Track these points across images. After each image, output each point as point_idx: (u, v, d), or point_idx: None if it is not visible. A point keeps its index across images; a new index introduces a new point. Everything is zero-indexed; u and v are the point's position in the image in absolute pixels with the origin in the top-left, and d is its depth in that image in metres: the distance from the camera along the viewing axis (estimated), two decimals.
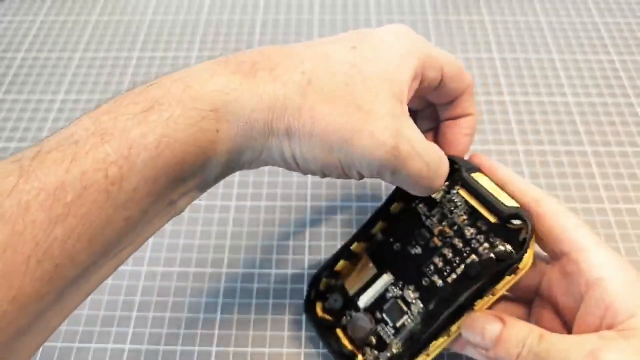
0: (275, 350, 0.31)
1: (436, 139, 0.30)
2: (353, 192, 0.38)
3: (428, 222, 0.28)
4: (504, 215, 0.25)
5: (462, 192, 0.27)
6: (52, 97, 0.45)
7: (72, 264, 0.19)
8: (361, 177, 0.24)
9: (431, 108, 0.30)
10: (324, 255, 0.35)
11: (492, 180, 0.27)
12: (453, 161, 0.27)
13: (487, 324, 0.24)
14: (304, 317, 0.32)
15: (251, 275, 0.34)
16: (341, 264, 0.30)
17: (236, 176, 0.39)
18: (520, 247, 0.25)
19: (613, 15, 0.51)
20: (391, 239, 0.29)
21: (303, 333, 0.31)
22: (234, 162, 0.24)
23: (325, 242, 0.35)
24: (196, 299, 0.33)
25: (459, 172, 0.27)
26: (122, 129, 0.20)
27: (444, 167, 0.25)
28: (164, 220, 0.23)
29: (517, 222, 0.25)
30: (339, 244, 0.35)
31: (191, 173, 0.22)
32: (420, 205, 0.29)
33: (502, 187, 0.27)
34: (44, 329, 0.21)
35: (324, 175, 0.25)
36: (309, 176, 0.39)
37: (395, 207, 0.30)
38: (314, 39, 0.26)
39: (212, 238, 0.36)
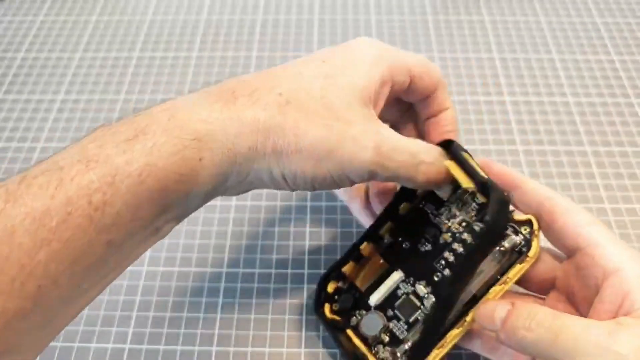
0: (276, 350, 0.31)
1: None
2: None
3: (436, 220, 0.29)
4: (478, 183, 0.27)
5: (453, 170, 0.28)
6: (52, 97, 0.45)
7: (54, 286, 0.20)
8: (353, 183, 0.26)
9: (411, 112, 0.31)
10: (324, 256, 0.35)
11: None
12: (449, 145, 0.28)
13: (497, 307, 0.25)
14: (304, 317, 0.32)
15: (251, 275, 0.34)
16: (348, 265, 0.30)
17: None
18: (527, 237, 0.26)
19: (613, 15, 0.51)
20: (400, 239, 0.30)
21: (303, 333, 0.31)
22: (218, 188, 0.24)
23: (325, 242, 0.35)
24: (196, 299, 0.33)
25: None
26: (107, 157, 0.21)
27: (431, 154, 0.27)
28: (149, 245, 0.24)
29: (523, 216, 0.27)
30: (339, 244, 0.35)
31: (175, 200, 0.23)
32: (428, 205, 0.30)
33: (514, 189, 0.28)
34: (34, 347, 0.22)
35: (314, 189, 0.26)
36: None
37: (403, 208, 0.30)
38: (313, 49, 0.27)
39: (212, 238, 0.36)
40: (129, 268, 0.34)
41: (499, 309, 0.25)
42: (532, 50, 0.48)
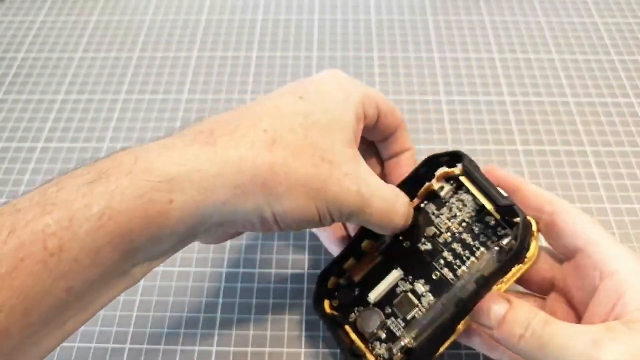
0: (276, 350, 0.31)
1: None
2: None
3: (437, 221, 0.30)
4: (500, 207, 0.27)
5: (467, 183, 0.29)
6: (53, 97, 0.45)
7: (5, 337, 0.19)
8: (332, 223, 0.26)
9: (373, 149, 0.32)
10: (324, 255, 0.35)
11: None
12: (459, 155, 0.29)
13: (494, 304, 0.25)
14: (304, 317, 0.32)
15: (252, 275, 0.34)
16: (349, 262, 0.31)
17: None
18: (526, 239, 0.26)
19: (613, 15, 0.51)
20: (400, 237, 0.30)
21: (303, 333, 0.31)
22: (196, 229, 0.23)
23: None
24: (196, 299, 0.33)
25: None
26: (66, 200, 0.20)
27: (402, 203, 0.27)
28: (118, 290, 0.23)
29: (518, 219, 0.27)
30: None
31: (142, 244, 0.22)
32: (429, 205, 0.30)
33: (516, 192, 0.28)
34: None
35: (299, 229, 0.26)
36: None
37: None
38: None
39: None
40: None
41: (496, 307, 0.25)
42: (532, 50, 0.48)
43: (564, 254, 0.27)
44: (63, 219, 0.20)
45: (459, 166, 0.29)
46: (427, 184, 0.30)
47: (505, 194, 0.27)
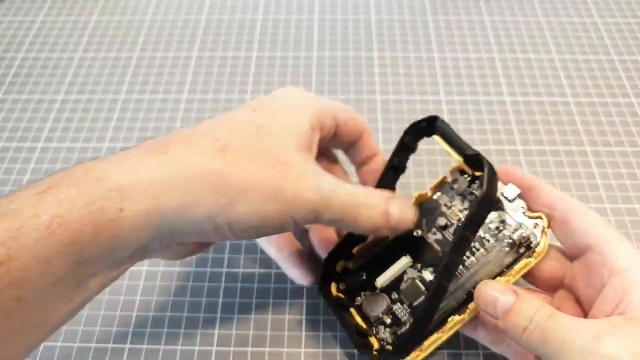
0: (276, 349, 0.31)
1: None
2: None
3: (448, 212, 0.31)
4: (467, 156, 0.28)
5: (440, 141, 0.29)
6: (53, 97, 0.45)
7: None
8: (296, 226, 0.25)
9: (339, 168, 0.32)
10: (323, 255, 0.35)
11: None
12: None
13: (500, 294, 0.25)
14: (304, 316, 0.32)
15: (252, 275, 0.34)
16: (358, 247, 0.31)
17: None
18: (535, 233, 0.28)
19: (613, 15, 0.51)
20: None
21: (303, 333, 0.31)
22: (149, 239, 0.23)
23: None
24: (197, 299, 0.33)
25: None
26: (15, 210, 0.21)
27: (371, 197, 0.26)
28: (75, 303, 0.23)
29: (534, 213, 0.28)
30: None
31: (94, 253, 0.22)
32: (443, 196, 0.31)
33: (530, 191, 0.29)
34: None
35: (258, 235, 0.25)
36: None
37: (419, 198, 0.32)
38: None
39: None
40: (131, 267, 0.34)
41: (503, 298, 0.25)
42: (532, 50, 0.48)
43: (574, 252, 0.28)
44: (11, 228, 0.20)
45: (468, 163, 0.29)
46: (442, 176, 0.32)
47: (473, 148, 0.28)
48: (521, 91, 0.44)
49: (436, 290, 0.26)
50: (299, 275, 0.31)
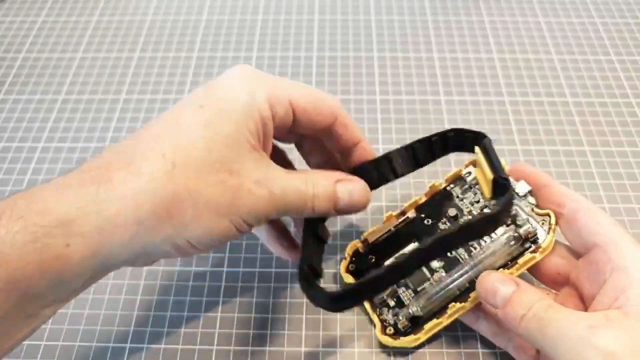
0: (276, 349, 0.31)
1: None
2: None
3: (460, 203, 0.32)
4: (499, 178, 0.28)
5: (479, 154, 0.29)
6: (53, 97, 0.45)
7: None
8: (251, 228, 0.25)
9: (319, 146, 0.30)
10: (323, 254, 0.35)
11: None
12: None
13: (501, 284, 0.26)
14: (304, 316, 0.32)
15: (252, 274, 0.34)
16: (370, 230, 0.33)
17: None
18: (543, 229, 0.29)
19: (612, 15, 0.51)
20: (422, 215, 0.32)
21: (303, 332, 0.31)
22: (103, 267, 0.23)
23: None
24: (197, 298, 0.33)
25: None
26: None
27: (320, 184, 0.26)
28: (27, 332, 0.23)
29: (542, 210, 0.29)
30: (339, 243, 0.35)
31: (44, 288, 0.22)
32: (455, 188, 0.32)
33: (542, 188, 0.30)
34: None
35: (221, 244, 0.25)
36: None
37: (432, 188, 0.33)
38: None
39: None
40: (131, 267, 0.35)
41: (503, 288, 0.26)
42: (531, 50, 0.48)
43: (581, 250, 0.28)
44: None
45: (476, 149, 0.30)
46: (456, 169, 0.33)
47: (507, 176, 0.28)
48: (520, 91, 0.44)
49: (410, 258, 0.25)
50: (280, 253, 0.32)
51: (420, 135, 0.41)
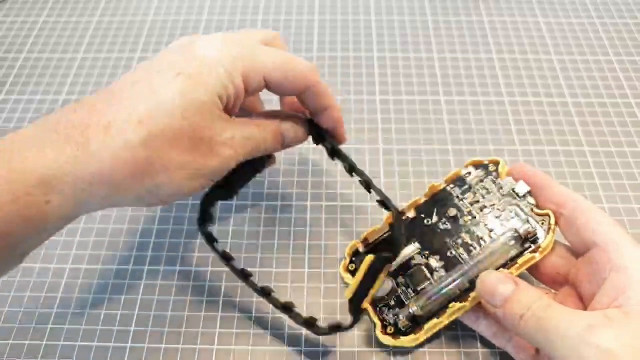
0: (276, 348, 0.31)
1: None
2: (353, 191, 0.38)
3: (460, 203, 0.32)
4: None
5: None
6: (54, 97, 0.45)
7: None
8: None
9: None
10: (323, 255, 0.35)
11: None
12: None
13: (501, 284, 0.26)
14: (304, 315, 0.32)
15: (252, 274, 0.34)
16: (370, 230, 0.33)
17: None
18: (542, 229, 0.29)
19: (611, 16, 0.51)
20: (422, 215, 0.33)
21: (303, 331, 0.32)
22: (78, 216, 0.26)
23: (325, 242, 0.36)
24: (198, 297, 0.33)
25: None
26: None
27: (267, 131, 0.29)
28: (8, 268, 0.26)
29: (542, 210, 0.29)
30: (339, 243, 0.35)
31: (22, 238, 0.24)
32: (455, 188, 0.33)
33: (543, 189, 0.30)
34: None
35: (186, 197, 0.29)
36: (309, 176, 0.39)
37: (432, 188, 0.33)
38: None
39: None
40: (131, 267, 0.35)
41: (502, 287, 0.26)
42: (531, 50, 0.48)
43: (580, 249, 0.28)
44: None
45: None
46: (456, 169, 0.33)
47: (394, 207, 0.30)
48: (520, 91, 0.45)
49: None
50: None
51: (421, 136, 0.41)
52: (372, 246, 0.33)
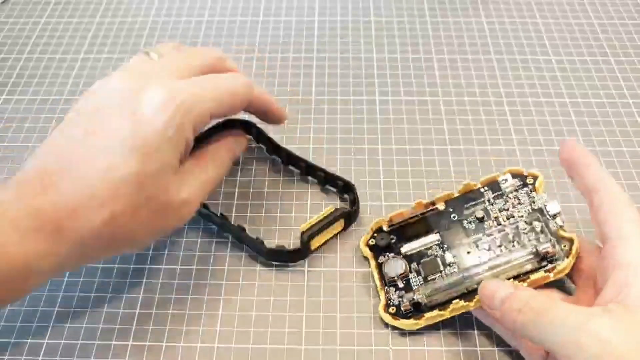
0: (276, 347, 0.31)
1: None
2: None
3: (489, 207, 0.33)
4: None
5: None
6: (56, 97, 0.45)
7: None
8: None
9: None
10: (323, 254, 0.35)
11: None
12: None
13: (500, 289, 0.26)
14: (304, 314, 0.32)
15: (253, 273, 0.34)
16: (396, 213, 0.34)
17: (238, 177, 0.39)
18: (561, 253, 0.29)
19: (610, 17, 0.51)
20: (450, 209, 0.33)
21: (303, 330, 0.32)
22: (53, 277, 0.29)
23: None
24: (198, 297, 0.33)
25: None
26: None
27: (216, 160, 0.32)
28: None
29: (567, 234, 0.29)
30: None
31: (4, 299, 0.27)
32: (488, 192, 0.33)
33: (584, 167, 0.29)
34: None
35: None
36: (309, 176, 0.39)
37: (464, 188, 0.34)
38: None
39: (214, 236, 0.36)
40: (132, 266, 0.35)
41: (501, 290, 0.26)
42: (530, 51, 0.48)
43: (602, 241, 0.28)
44: None
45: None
46: (494, 174, 0.33)
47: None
48: (518, 92, 0.45)
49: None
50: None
51: (420, 136, 0.42)
52: (396, 227, 0.34)
